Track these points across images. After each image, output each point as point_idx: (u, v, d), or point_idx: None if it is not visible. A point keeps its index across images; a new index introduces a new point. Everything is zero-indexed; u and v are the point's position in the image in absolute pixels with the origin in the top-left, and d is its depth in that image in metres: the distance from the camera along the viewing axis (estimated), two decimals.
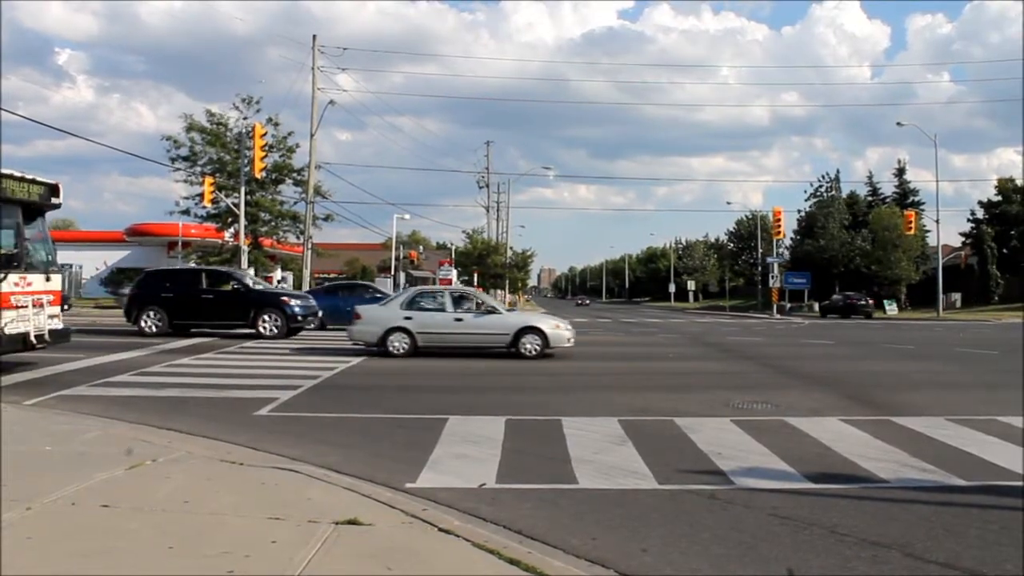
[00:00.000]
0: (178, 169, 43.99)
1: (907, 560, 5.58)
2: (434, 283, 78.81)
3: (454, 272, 68.72)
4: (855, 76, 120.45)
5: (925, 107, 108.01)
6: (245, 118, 44.65)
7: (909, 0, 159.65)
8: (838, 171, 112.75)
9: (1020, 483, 7.77)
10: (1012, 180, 74.79)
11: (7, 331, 13.83)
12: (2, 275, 13.68)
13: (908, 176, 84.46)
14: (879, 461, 8.50)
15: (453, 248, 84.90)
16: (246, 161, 38.16)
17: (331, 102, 42.89)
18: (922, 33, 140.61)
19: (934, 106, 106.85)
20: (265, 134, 37.25)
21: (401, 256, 65.11)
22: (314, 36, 43.96)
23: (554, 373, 16.67)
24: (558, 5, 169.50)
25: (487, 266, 72.43)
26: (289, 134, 46.54)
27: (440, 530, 5.74)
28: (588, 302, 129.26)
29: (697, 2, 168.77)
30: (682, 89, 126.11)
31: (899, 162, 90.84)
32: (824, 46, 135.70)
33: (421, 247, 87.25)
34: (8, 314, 13.81)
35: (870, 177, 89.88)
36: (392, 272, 60.44)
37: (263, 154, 36.66)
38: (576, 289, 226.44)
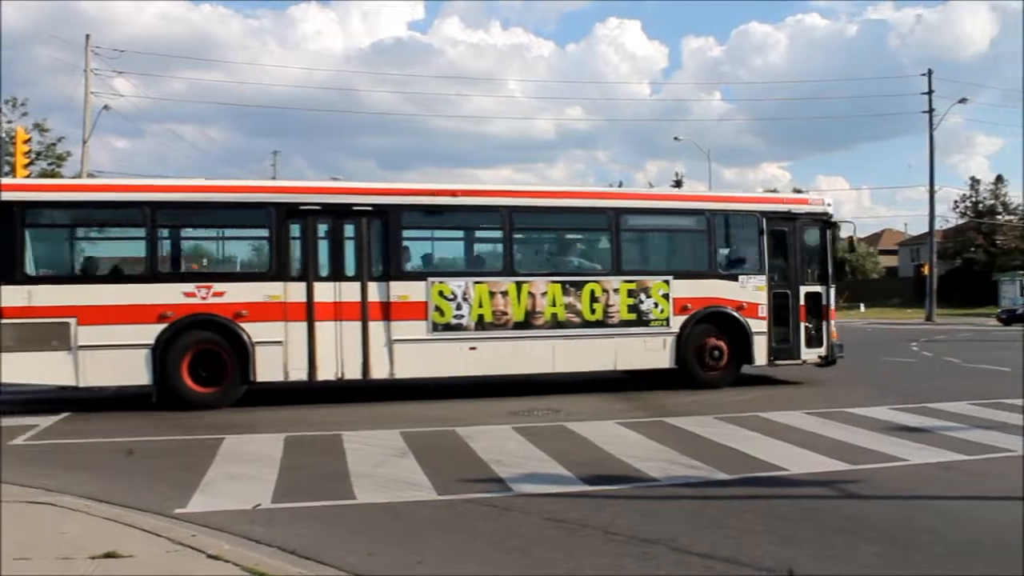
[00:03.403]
0: None
1: (673, 553, 5.85)
2: None
3: None
4: (635, 92, 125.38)
5: (699, 123, 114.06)
6: (10, 122, 41.43)
7: (687, 0, 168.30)
8: (620, 183, 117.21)
9: (779, 473, 8.31)
10: (774, 191, 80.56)
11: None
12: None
13: (685, 188, 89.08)
14: (651, 461, 8.88)
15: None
16: (7, 170, 35.37)
17: (106, 107, 40.48)
18: (695, 54, 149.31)
19: (707, 122, 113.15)
20: (29, 140, 34.62)
21: None
22: (87, 36, 41.26)
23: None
24: (347, 14, 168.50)
25: None
26: (59, 140, 43.59)
27: (209, 556, 5.51)
28: None
29: (492, 0, 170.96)
30: (470, 101, 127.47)
31: (676, 175, 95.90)
32: (606, 63, 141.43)
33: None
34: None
35: (650, 187, 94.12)
36: None
37: (26, 161, 34.01)
38: None
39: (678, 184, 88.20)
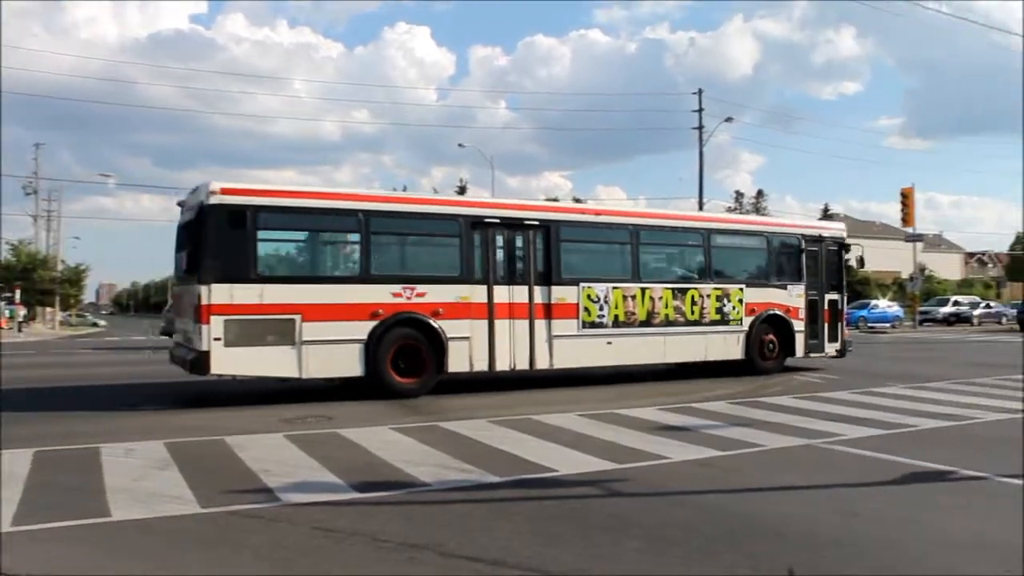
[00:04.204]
0: None
1: (440, 559, 5.84)
2: None
3: None
4: (422, 98, 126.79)
5: (484, 131, 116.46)
6: None
7: (476, 1, 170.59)
8: (405, 187, 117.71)
9: (549, 475, 8.50)
10: (556, 200, 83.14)
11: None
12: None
13: (469, 195, 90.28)
14: (423, 465, 8.87)
15: None
16: None
17: None
18: (483, 63, 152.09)
19: (492, 130, 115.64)
20: None
21: None
22: None
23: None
24: (123, 4, 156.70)
25: (33, 281, 65.34)
26: None
27: None
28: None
29: None
30: (254, 100, 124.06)
31: (461, 180, 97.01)
32: (394, 68, 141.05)
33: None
34: None
35: (436, 193, 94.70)
36: None
37: None
38: (140, 305, 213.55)
39: (462, 191, 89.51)
